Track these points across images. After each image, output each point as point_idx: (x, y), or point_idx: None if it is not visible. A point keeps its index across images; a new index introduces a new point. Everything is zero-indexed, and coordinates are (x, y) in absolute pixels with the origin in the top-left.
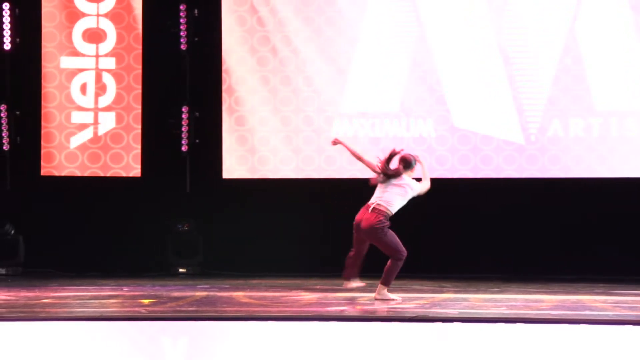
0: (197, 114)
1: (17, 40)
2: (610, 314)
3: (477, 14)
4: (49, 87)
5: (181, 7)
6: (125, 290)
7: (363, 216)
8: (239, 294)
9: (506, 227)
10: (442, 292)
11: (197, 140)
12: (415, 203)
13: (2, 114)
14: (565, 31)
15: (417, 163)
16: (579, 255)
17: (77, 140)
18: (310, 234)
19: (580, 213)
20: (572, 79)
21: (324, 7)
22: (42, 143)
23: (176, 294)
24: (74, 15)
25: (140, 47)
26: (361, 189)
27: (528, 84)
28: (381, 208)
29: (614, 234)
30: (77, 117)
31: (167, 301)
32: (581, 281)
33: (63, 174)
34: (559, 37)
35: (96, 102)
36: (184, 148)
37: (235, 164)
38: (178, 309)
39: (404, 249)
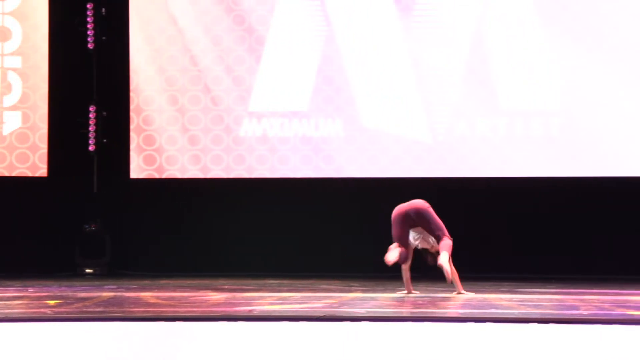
0: (104, 113)
1: None
2: (516, 312)
3: (385, 14)
4: None
5: (88, 5)
6: (31, 291)
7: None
8: (146, 294)
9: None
10: (350, 291)
11: (105, 140)
12: (322, 204)
13: None
14: (472, 32)
15: None
16: (484, 254)
17: None
18: (219, 233)
19: (487, 212)
20: (478, 80)
21: (232, 6)
22: None
23: (83, 294)
24: None
25: (47, 45)
26: (270, 188)
27: (436, 84)
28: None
29: (519, 233)
30: None
31: (74, 302)
32: (487, 280)
33: None
34: (465, 38)
35: (1, 101)
36: (91, 147)
37: (143, 164)
38: (84, 309)
39: None
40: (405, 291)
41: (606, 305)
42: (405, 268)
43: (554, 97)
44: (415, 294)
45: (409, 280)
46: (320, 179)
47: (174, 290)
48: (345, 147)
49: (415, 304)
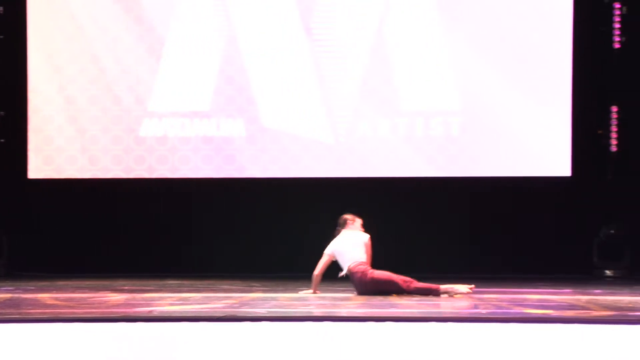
0: (2, 113)
1: None
2: (415, 311)
3: (286, 15)
4: None
5: None
6: None
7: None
8: (44, 296)
9: (318, 226)
10: (251, 291)
11: (2, 140)
12: (223, 204)
13: None
14: (374, 33)
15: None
16: (385, 253)
17: None
18: (117, 233)
19: (387, 212)
20: (380, 80)
21: (131, 6)
22: None
23: None
24: None
25: None
26: (171, 189)
27: (337, 85)
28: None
29: (417, 232)
30: None
31: None
32: None
33: None
34: (367, 39)
35: None
36: None
37: (42, 164)
38: None
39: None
40: (311, 290)
41: (504, 304)
42: (320, 273)
43: (454, 97)
44: (318, 294)
45: (318, 282)
46: (221, 179)
47: (73, 292)
48: (247, 147)
49: (317, 304)
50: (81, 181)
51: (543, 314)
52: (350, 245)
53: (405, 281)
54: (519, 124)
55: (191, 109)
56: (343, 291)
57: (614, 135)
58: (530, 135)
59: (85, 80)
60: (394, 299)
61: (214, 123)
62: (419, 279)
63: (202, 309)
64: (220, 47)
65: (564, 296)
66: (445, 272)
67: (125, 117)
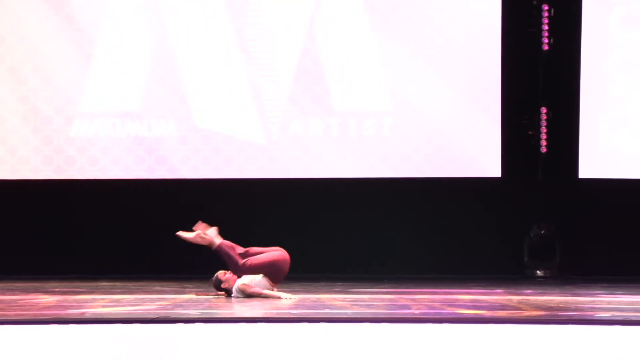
0: None
1: None
2: (349, 312)
3: (217, 14)
4: None
5: None
6: None
7: None
8: None
9: (247, 227)
10: (184, 293)
11: None
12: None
13: None
14: (305, 32)
15: None
16: (316, 254)
17: None
18: (46, 235)
19: (321, 213)
20: (311, 80)
21: (61, 6)
22: None
23: None
24: None
25: None
26: (100, 190)
27: (269, 84)
28: None
29: (350, 233)
30: None
31: None
32: (320, 280)
33: None
34: (298, 38)
35: None
36: None
37: None
38: None
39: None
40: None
41: (437, 305)
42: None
43: (386, 98)
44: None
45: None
46: (152, 180)
47: (2, 293)
48: (179, 148)
49: (250, 305)
50: (10, 182)
51: (475, 314)
52: None
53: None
54: (450, 124)
55: (122, 109)
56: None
57: (543, 136)
58: (461, 136)
59: (14, 81)
60: (327, 300)
61: (145, 123)
62: (353, 280)
63: (134, 310)
64: (151, 47)
65: (496, 296)
66: (377, 273)
67: (55, 118)
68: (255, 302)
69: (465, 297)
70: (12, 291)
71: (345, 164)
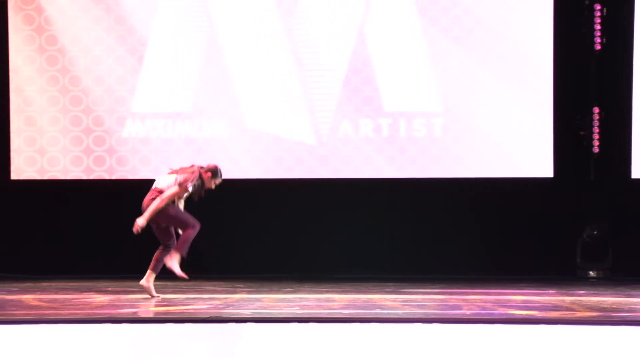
0: None
1: None
2: (400, 312)
3: (268, 15)
4: None
5: None
6: None
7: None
8: (28, 297)
9: (300, 227)
10: (235, 292)
11: None
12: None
13: None
14: (355, 34)
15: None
16: (367, 254)
17: None
18: (104, 234)
19: (371, 213)
20: (361, 81)
21: (112, 7)
22: None
23: None
24: None
25: None
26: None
27: (319, 85)
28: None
29: (402, 233)
30: None
31: None
32: (372, 280)
33: None
34: (349, 40)
35: None
36: None
37: (24, 165)
38: None
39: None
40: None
41: (488, 305)
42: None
43: (436, 98)
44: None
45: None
46: None
47: (57, 293)
48: (229, 148)
49: (301, 305)
50: (64, 182)
51: (527, 314)
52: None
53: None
54: (502, 125)
55: (173, 109)
56: (326, 292)
57: (596, 136)
58: (513, 136)
59: (67, 82)
60: (378, 301)
61: (196, 124)
62: (404, 280)
63: (186, 310)
64: (202, 48)
65: (548, 297)
66: (429, 273)
67: (107, 118)
68: (305, 303)
69: (517, 298)
70: (66, 290)
71: (395, 164)
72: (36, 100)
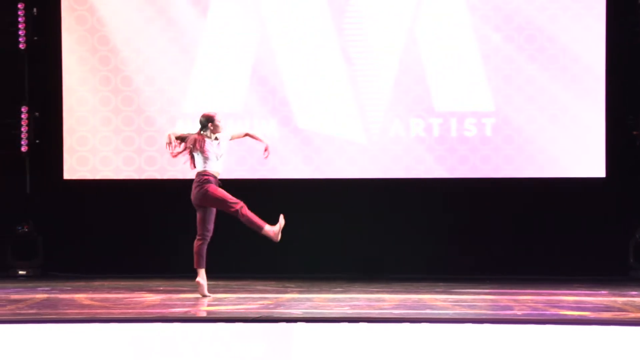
0: (37, 113)
1: None
2: (451, 312)
3: (318, 14)
4: None
5: (19, 5)
6: None
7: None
8: (80, 296)
9: (349, 227)
10: (286, 292)
11: (37, 141)
12: (254, 202)
13: None
14: (405, 32)
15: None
16: (419, 254)
17: None
18: (154, 234)
19: (419, 213)
20: (412, 80)
21: (165, 7)
22: None
23: (15, 296)
24: None
25: None
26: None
27: (369, 85)
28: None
29: (453, 233)
30: None
31: (6, 304)
32: (422, 280)
33: None
34: (399, 38)
35: None
36: (23, 148)
37: (76, 165)
38: (17, 311)
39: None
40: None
41: (540, 306)
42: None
43: (487, 98)
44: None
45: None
46: (255, 179)
47: (109, 292)
48: (280, 148)
49: (351, 305)
50: (115, 182)
51: (579, 315)
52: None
53: (236, 203)
54: (553, 124)
55: (224, 109)
56: (377, 292)
57: None
58: (565, 136)
59: (119, 82)
60: (429, 301)
61: (247, 124)
62: (454, 280)
63: (237, 309)
64: (253, 48)
65: (600, 298)
66: (483, 272)
67: (158, 118)
68: (355, 303)
69: (568, 299)
70: (117, 290)
71: (446, 164)
72: (89, 100)
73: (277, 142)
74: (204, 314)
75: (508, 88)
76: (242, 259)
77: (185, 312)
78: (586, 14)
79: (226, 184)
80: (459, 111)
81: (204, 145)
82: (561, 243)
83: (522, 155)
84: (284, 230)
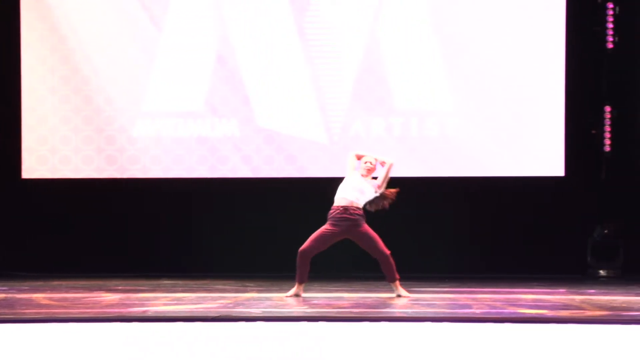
0: None
1: None
2: (410, 311)
3: (279, 14)
4: None
5: None
6: None
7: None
8: (38, 296)
9: (310, 226)
10: (245, 291)
11: None
12: (217, 205)
13: None
14: (367, 32)
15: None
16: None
17: None
18: (111, 234)
19: (381, 212)
20: (374, 79)
21: (125, 7)
22: None
23: None
24: None
25: None
26: (165, 189)
27: (331, 84)
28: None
29: (412, 232)
30: None
31: None
32: (381, 279)
33: None
34: (361, 38)
35: None
36: None
37: (35, 164)
38: None
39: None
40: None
41: (498, 304)
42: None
43: (448, 97)
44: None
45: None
46: (215, 179)
47: (67, 291)
48: (241, 147)
49: (310, 304)
50: (75, 181)
51: (537, 313)
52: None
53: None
54: (512, 124)
55: (185, 109)
56: (336, 291)
57: (607, 135)
58: (524, 135)
59: (79, 81)
60: (388, 300)
61: (208, 123)
62: (413, 279)
63: (196, 309)
64: (214, 47)
65: (558, 296)
66: (440, 272)
67: (118, 118)
68: (315, 302)
69: (527, 297)
70: (76, 289)
71: (408, 163)
72: (48, 99)
73: (238, 141)
74: (163, 314)
75: (468, 88)
76: (203, 258)
77: (144, 311)
78: (547, 14)
79: (187, 183)
80: (420, 110)
81: None
82: (520, 241)
83: (482, 154)
84: (249, 231)
